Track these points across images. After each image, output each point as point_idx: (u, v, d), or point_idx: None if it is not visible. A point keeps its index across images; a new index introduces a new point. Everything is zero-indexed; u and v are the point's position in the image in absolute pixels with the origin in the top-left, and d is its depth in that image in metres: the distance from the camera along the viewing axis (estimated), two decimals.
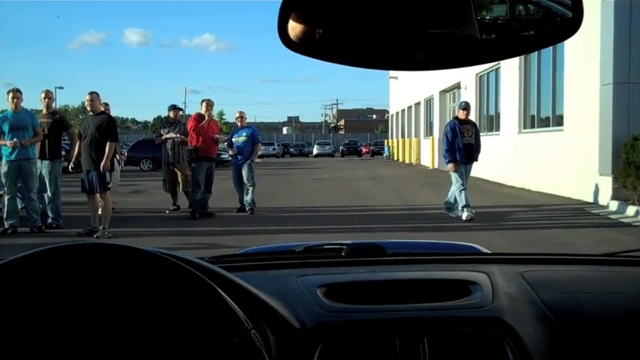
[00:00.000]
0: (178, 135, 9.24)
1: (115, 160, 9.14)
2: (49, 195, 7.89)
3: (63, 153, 8.54)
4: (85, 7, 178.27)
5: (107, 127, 7.31)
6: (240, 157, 9.58)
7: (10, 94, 7.56)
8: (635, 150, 8.71)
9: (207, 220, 8.70)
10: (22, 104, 7.67)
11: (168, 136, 9.38)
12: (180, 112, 10.15)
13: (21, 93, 7.63)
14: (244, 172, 9.48)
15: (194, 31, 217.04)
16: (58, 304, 0.82)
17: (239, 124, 9.87)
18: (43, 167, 7.88)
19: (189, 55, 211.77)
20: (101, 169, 7.18)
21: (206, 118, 9.04)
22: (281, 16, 0.75)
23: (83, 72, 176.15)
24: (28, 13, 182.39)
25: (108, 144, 7.25)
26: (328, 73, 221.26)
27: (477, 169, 17.10)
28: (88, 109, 7.58)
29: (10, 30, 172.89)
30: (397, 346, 0.94)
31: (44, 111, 8.18)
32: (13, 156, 7.44)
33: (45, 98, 8.14)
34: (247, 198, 9.43)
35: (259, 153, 10.21)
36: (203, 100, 9.31)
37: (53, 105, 8.61)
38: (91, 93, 7.46)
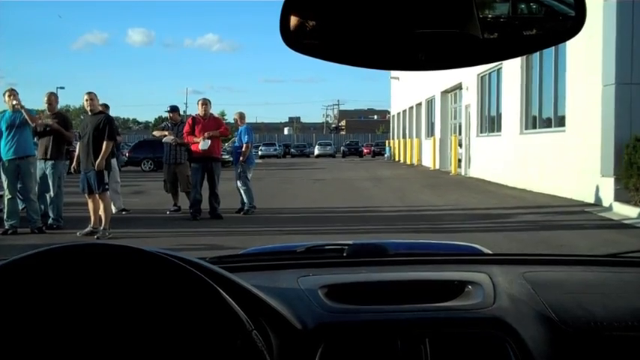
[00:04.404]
0: (173, 138, 9.27)
1: (114, 160, 9.19)
2: (52, 195, 7.92)
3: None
4: (88, 6, 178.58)
5: (104, 126, 7.32)
6: (236, 158, 9.67)
7: (7, 94, 7.71)
8: (637, 151, 8.69)
9: (208, 220, 8.69)
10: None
11: (164, 139, 9.44)
12: (180, 113, 10.18)
13: (17, 93, 7.72)
14: (235, 173, 9.52)
15: (197, 31, 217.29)
16: (59, 305, 0.82)
17: (237, 124, 9.89)
18: (46, 167, 7.92)
19: (192, 55, 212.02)
20: (96, 166, 7.19)
21: (203, 117, 9.01)
22: (283, 15, 0.75)
23: (85, 72, 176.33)
24: (31, 13, 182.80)
25: (105, 143, 7.26)
26: (329, 73, 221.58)
27: (478, 170, 17.17)
28: (87, 108, 7.61)
29: (13, 30, 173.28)
30: (399, 347, 0.94)
31: (47, 112, 8.25)
32: (12, 154, 7.51)
33: (48, 101, 8.21)
34: (244, 199, 9.44)
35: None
36: (199, 100, 9.30)
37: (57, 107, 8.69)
38: (89, 93, 7.53)
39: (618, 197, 9.19)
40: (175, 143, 9.29)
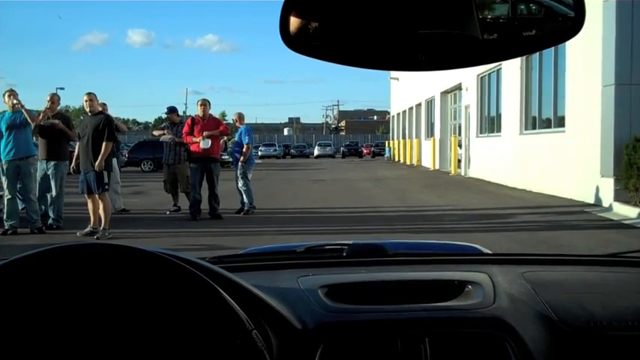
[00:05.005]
0: (171, 137, 9.27)
1: (114, 160, 9.20)
2: (53, 195, 7.92)
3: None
4: (88, 7, 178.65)
5: (104, 127, 7.33)
6: (235, 158, 9.67)
7: (7, 94, 7.73)
8: (636, 151, 8.69)
9: (208, 220, 8.69)
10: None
11: (162, 138, 9.44)
12: (179, 113, 10.19)
13: (17, 93, 7.73)
14: (235, 173, 9.52)
15: (197, 31, 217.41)
16: (59, 304, 0.82)
17: (236, 124, 9.89)
18: (48, 168, 7.92)
19: (192, 55, 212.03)
20: (96, 167, 7.19)
21: (202, 117, 9.01)
22: (283, 15, 0.75)
23: (85, 72, 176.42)
24: (31, 13, 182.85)
25: (104, 143, 7.26)
26: (329, 74, 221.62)
27: (478, 171, 17.17)
28: (87, 109, 7.61)
29: (13, 30, 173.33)
30: (398, 347, 0.94)
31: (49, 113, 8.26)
32: (12, 155, 7.52)
33: (49, 101, 8.22)
34: (244, 199, 9.44)
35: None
36: (198, 101, 9.30)
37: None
38: (89, 93, 7.53)
39: (618, 197, 9.20)
40: (173, 142, 9.30)
